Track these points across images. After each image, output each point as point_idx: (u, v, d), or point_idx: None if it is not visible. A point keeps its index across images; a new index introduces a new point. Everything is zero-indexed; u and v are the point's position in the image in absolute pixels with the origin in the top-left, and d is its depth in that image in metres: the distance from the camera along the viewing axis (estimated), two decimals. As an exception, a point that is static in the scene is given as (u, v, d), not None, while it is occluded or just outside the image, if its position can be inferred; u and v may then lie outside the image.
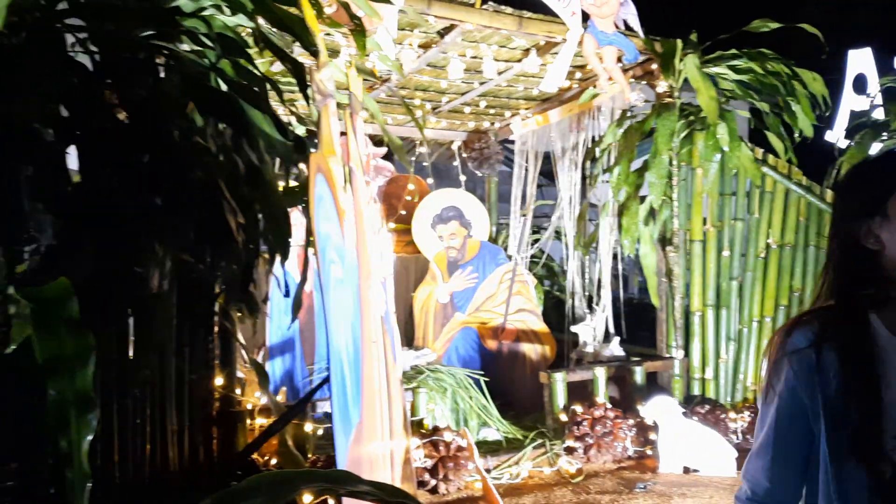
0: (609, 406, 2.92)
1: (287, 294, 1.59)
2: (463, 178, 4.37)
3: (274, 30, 1.48)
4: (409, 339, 3.82)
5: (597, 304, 3.54)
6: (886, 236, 0.75)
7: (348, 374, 1.55)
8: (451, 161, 4.62)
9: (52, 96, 1.05)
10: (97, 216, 1.15)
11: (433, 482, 2.46)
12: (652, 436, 2.85)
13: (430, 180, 4.28)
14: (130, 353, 1.27)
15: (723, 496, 2.45)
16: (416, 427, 2.62)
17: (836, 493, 0.71)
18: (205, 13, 1.34)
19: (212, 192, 1.26)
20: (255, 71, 1.38)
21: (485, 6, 2.74)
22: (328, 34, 2.15)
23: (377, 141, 3.67)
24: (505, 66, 3.29)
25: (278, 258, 1.43)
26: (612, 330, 3.51)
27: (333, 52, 2.75)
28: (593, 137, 3.60)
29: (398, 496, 0.92)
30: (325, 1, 1.86)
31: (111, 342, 1.21)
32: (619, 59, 3.04)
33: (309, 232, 1.65)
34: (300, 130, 1.86)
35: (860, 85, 4.65)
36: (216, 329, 1.52)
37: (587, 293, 3.68)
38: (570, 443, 2.80)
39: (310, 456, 2.23)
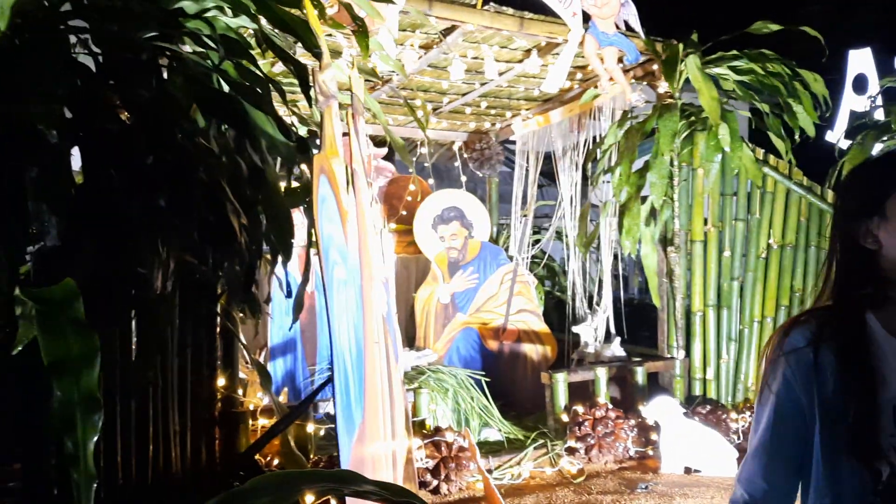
0: (610, 406, 2.92)
1: (289, 295, 1.59)
2: (464, 178, 4.37)
3: (276, 31, 1.49)
4: (410, 340, 3.82)
5: (598, 305, 3.54)
6: (884, 236, 0.75)
7: (351, 374, 1.56)
8: (451, 161, 4.62)
9: (55, 97, 1.05)
10: (100, 217, 1.15)
11: (435, 482, 2.46)
12: (653, 436, 2.85)
13: (430, 181, 4.28)
14: (133, 353, 1.27)
15: (724, 496, 2.45)
16: (418, 427, 2.62)
17: (831, 493, 0.71)
18: (207, 14, 1.34)
19: (215, 193, 1.26)
20: (258, 72, 1.38)
21: (486, 7, 2.74)
22: (330, 35, 2.16)
23: (378, 141, 3.68)
24: (506, 66, 3.29)
25: (280, 259, 1.43)
26: (613, 330, 3.52)
27: (335, 53, 2.75)
28: (594, 138, 3.60)
29: (403, 496, 0.93)
30: (326, 2, 1.87)
31: (114, 343, 1.21)
32: (620, 60, 3.04)
33: (311, 233, 1.65)
34: (302, 131, 1.86)
35: (860, 85, 4.65)
36: (218, 330, 1.52)
37: (588, 293, 3.68)
38: (571, 443, 2.80)
39: (312, 456, 2.23)
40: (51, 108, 1.05)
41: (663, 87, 3.15)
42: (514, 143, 4.30)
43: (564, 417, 2.92)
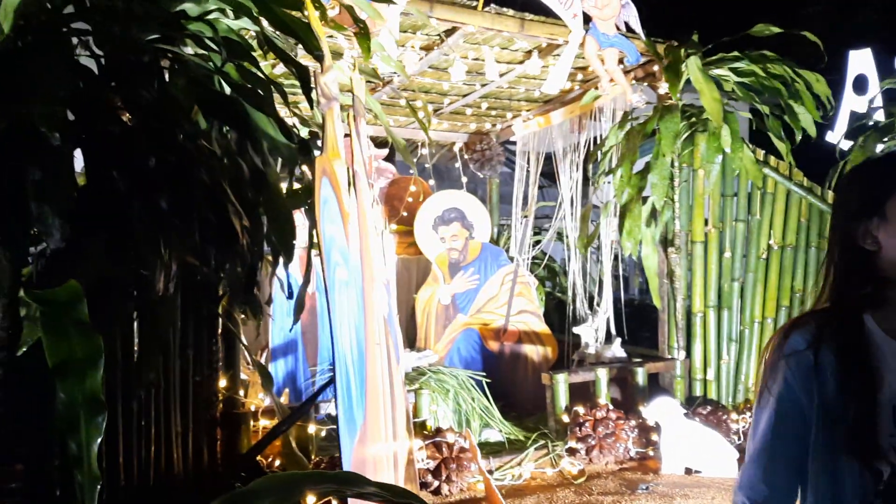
0: (611, 407, 2.92)
1: (290, 296, 1.59)
2: (464, 179, 4.38)
3: (278, 33, 1.49)
4: (411, 341, 3.83)
5: (598, 306, 3.55)
6: (883, 237, 0.75)
7: (353, 375, 1.56)
8: (452, 162, 4.63)
9: (58, 99, 1.05)
10: (103, 219, 1.15)
11: (436, 483, 2.46)
12: (654, 437, 2.85)
13: (431, 182, 4.28)
14: (135, 354, 1.27)
15: (725, 497, 2.45)
16: (419, 428, 2.63)
17: (831, 494, 0.71)
18: (209, 17, 1.35)
19: (216, 194, 1.26)
20: (260, 74, 1.39)
21: (487, 8, 2.75)
22: (331, 36, 2.16)
23: (379, 142, 3.68)
24: (507, 67, 3.30)
25: (282, 260, 1.44)
26: (613, 331, 3.52)
27: (336, 55, 2.76)
28: (595, 138, 3.61)
29: (404, 497, 0.93)
30: (328, 3, 1.87)
31: (116, 344, 1.21)
32: (621, 61, 3.05)
33: (312, 234, 1.65)
34: (304, 132, 1.86)
35: (860, 86, 4.65)
36: (220, 331, 1.52)
37: (588, 294, 3.68)
38: (572, 444, 2.80)
39: (313, 457, 2.23)
40: (53, 110, 1.05)
41: (664, 87, 3.15)
42: (514, 143, 4.31)
43: (565, 418, 2.93)
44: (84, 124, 1.17)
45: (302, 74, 1.39)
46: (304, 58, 1.93)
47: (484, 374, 3.19)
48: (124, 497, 1.22)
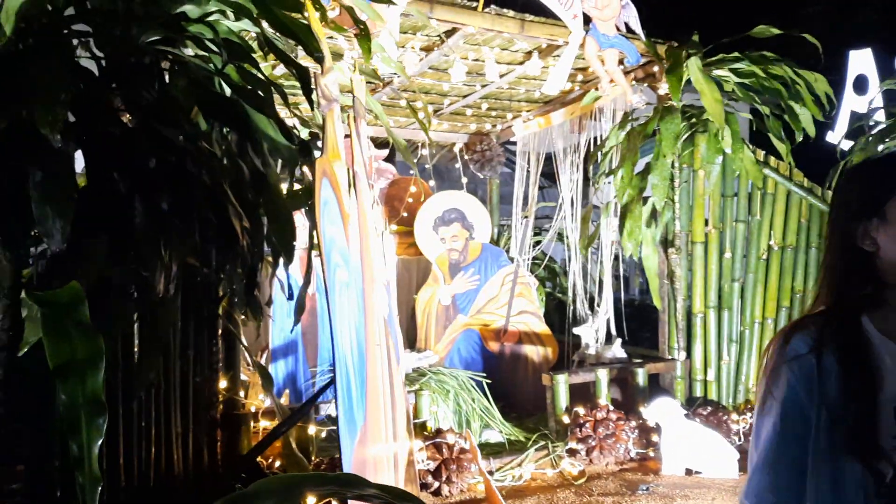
0: (611, 408, 2.92)
1: (290, 297, 1.59)
2: (465, 180, 4.38)
3: (278, 34, 1.49)
4: (411, 342, 3.83)
5: (598, 306, 3.55)
6: (882, 239, 0.75)
7: (353, 376, 1.56)
8: (452, 163, 4.63)
9: (59, 101, 1.05)
10: (103, 220, 1.16)
11: (436, 484, 2.46)
12: (654, 437, 2.85)
13: (431, 182, 4.29)
14: (135, 355, 1.27)
15: (725, 498, 2.45)
16: (419, 429, 2.63)
17: (833, 496, 0.71)
18: (210, 18, 1.35)
19: (217, 195, 1.27)
20: (260, 75, 1.39)
21: (487, 9, 2.75)
22: (331, 37, 2.16)
23: (379, 143, 3.68)
24: (507, 68, 3.30)
25: (282, 261, 1.44)
26: (613, 332, 3.52)
27: (337, 56, 2.76)
28: (595, 139, 3.61)
29: (405, 499, 0.93)
30: (328, 4, 1.87)
31: (117, 345, 1.21)
32: (621, 62, 3.05)
33: (312, 235, 1.66)
34: (304, 133, 1.86)
35: (861, 86, 4.65)
36: (220, 332, 1.53)
37: (589, 295, 3.68)
38: (572, 445, 2.80)
39: (313, 458, 2.23)
40: (54, 111, 1.05)
41: (664, 88, 3.15)
42: (515, 144, 4.31)
43: (565, 419, 2.93)
44: (85, 125, 1.18)
45: (302, 76, 1.40)
46: (304, 59, 1.93)
47: (484, 374, 3.19)
48: (125, 498, 1.23)
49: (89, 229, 1.13)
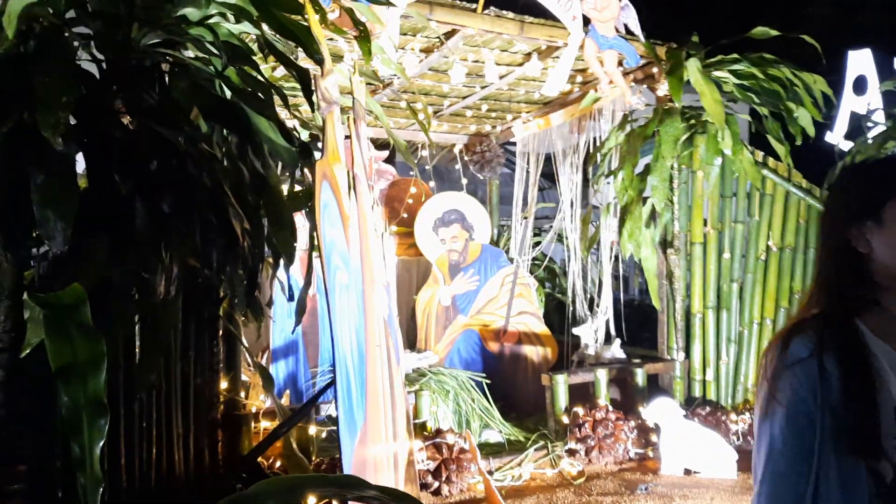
0: (610, 408, 2.93)
1: (291, 298, 1.60)
2: (464, 180, 4.39)
3: (278, 36, 1.50)
4: (411, 342, 3.83)
5: (597, 307, 3.55)
6: (877, 241, 0.76)
7: (353, 377, 1.57)
8: (452, 164, 4.64)
9: (60, 104, 1.06)
10: (105, 222, 1.16)
11: (436, 484, 2.47)
12: (653, 437, 2.86)
13: (431, 183, 4.29)
14: (136, 356, 1.28)
15: (724, 498, 2.46)
16: (419, 429, 2.63)
17: (834, 497, 0.71)
18: (210, 21, 1.36)
19: (218, 197, 1.27)
20: (260, 78, 1.39)
21: (486, 11, 2.76)
22: (331, 39, 2.17)
23: (379, 144, 3.69)
24: (506, 69, 3.31)
25: (283, 262, 1.44)
26: (612, 332, 3.53)
27: (337, 57, 2.76)
28: (594, 139, 3.62)
29: (404, 500, 0.94)
30: (328, 6, 1.88)
31: (118, 346, 1.22)
32: (620, 63, 3.06)
33: (313, 236, 1.66)
34: (304, 135, 1.87)
35: (860, 86, 4.66)
36: (221, 333, 1.53)
37: (588, 295, 3.69)
38: (571, 444, 2.81)
39: (314, 458, 2.24)
40: (56, 114, 1.06)
41: (663, 89, 3.16)
42: (514, 144, 4.32)
43: (565, 419, 2.93)
44: (86, 128, 1.18)
45: (302, 78, 1.40)
46: (304, 60, 1.94)
47: (484, 374, 3.20)
48: (126, 498, 1.23)
49: (91, 231, 1.14)
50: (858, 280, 0.77)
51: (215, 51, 1.32)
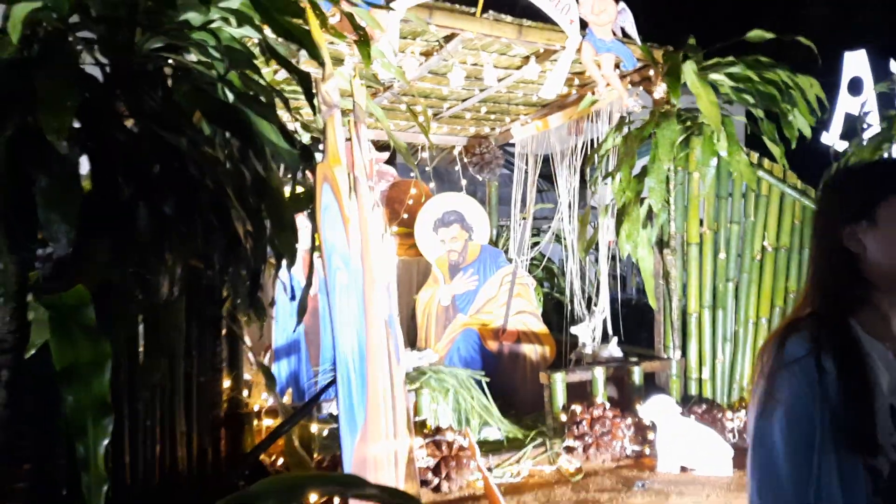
0: (608, 406, 2.95)
1: (293, 298, 1.62)
2: (464, 182, 4.41)
3: (280, 39, 1.51)
4: (411, 341, 3.85)
5: (595, 306, 3.58)
6: (870, 241, 0.77)
7: (354, 377, 1.59)
8: (452, 165, 4.66)
9: (64, 108, 1.08)
10: (108, 224, 1.18)
11: (436, 481, 2.49)
12: (650, 435, 2.88)
13: (431, 184, 4.31)
14: (140, 356, 1.30)
15: (719, 494, 2.49)
16: (419, 427, 2.66)
17: (832, 494, 0.72)
18: (212, 25, 1.37)
19: (220, 199, 1.29)
20: (262, 82, 1.41)
21: (485, 15, 2.77)
22: (332, 43, 2.19)
23: (380, 146, 3.70)
24: (505, 73, 3.33)
25: (285, 263, 1.46)
26: (610, 331, 3.55)
27: (338, 61, 2.78)
28: (592, 141, 3.64)
29: (403, 500, 0.95)
30: (329, 10, 1.89)
31: (122, 347, 1.24)
32: (617, 66, 3.08)
33: (314, 237, 1.68)
34: (305, 137, 1.89)
35: (856, 87, 4.68)
36: (224, 332, 1.55)
37: (586, 295, 3.71)
38: (569, 442, 2.83)
39: (315, 456, 2.26)
40: (60, 118, 1.07)
41: (659, 92, 3.18)
42: (513, 146, 4.34)
43: (563, 417, 2.96)
44: (90, 131, 1.20)
45: (304, 81, 1.42)
46: (306, 63, 1.95)
47: (483, 373, 3.22)
48: (130, 497, 1.25)
49: (94, 233, 1.15)
50: (852, 280, 0.78)
51: (217, 55, 1.34)
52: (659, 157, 3.00)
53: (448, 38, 2.87)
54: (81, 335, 1.00)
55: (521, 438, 2.92)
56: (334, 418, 2.50)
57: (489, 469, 2.60)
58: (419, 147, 4.40)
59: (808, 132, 3.16)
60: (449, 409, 2.95)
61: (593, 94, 3.31)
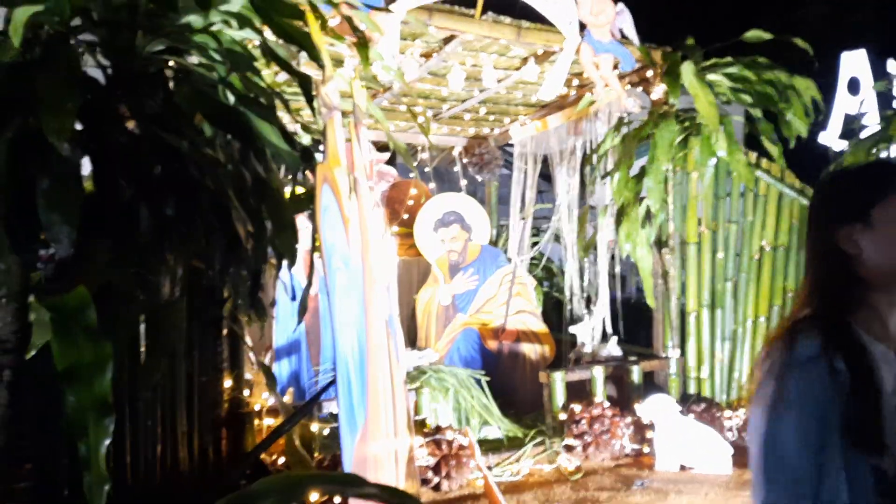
0: (607, 405, 2.96)
1: (294, 298, 1.63)
2: (464, 182, 4.42)
3: (280, 41, 1.52)
4: (412, 340, 3.86)
5: (595, 305, 3.59)
6: (865, 243, 0.77)
7: (354, 378, 1.60)
8: (452, 166, 4.67)
9: (66, 111, 1.08)
10: (110, 225, 1.19)
11: (436, 480, 2.50)
12: (649, 434, 2.89)
13: (431, 185, 4.32)
14: (142, 356, 1.31)
15: (718, 493, 2.50)
16: (419, 426, 2.67)
17: (839, 494, 0.72)
18: (213, 28, 1.38)
19: (221, 200, 1.30)
20: (262, 84, 1.42)
21: (484, 17, 2.78)
22: (332, 44, 2.20)
23: (381, 146, 3.71)
24: (504, 74, 3.33)
25: (285, 263, 1.47)
26: (609, 330, 3.56)
27: (338, 62, 2.79)
28: (591, 142, 3.65)
29: (402, 498, 0.96)
30: (328, 13, 1.90)
31: (123, 347, 1.25)
32: (616, 67, 3.09)
33: (315, 237, 1.69)
34: (306, 139, 1.89)
35: (855, 87, 4.68)
36: (225, 332, 1.56)
37: (586, 294, 3.72)
38: (569, 441, 2.85)
39: (316, 455, 2.27)
40: (62, 120, 1.08)
41: (657, 93, 3.19)
42: (513, 146, 4.35)
43: (562, 416, 2.97)
44: (91, 133, 1.21)
45: (304, 84, 1.43)
46: (306, 65, 1.96)
47: (483, 372, 3.23)
48: (131, 496, 1.26)
49: (96, 234, 1.16)
50: (849, 281, 0.78)
51: (218, 57, 1.34)
52: (657, 157, 3.01)
53: (447, 40, 2.88)
54: (83, 336, 1.01)
55: (520, 437, 2.93)
56: (335, 417, 2.50)
57: (489, 468, 2.61)
58: (419, 148, 4.41)
59: (804, 132, 3.17)
60: (449, 408, 2.96)
61: (592, 94, 3.32)
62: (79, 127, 1.16)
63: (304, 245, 2.66)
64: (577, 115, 3.66)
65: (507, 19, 2.84)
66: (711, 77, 3.12)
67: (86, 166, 1.23)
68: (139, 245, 1.20)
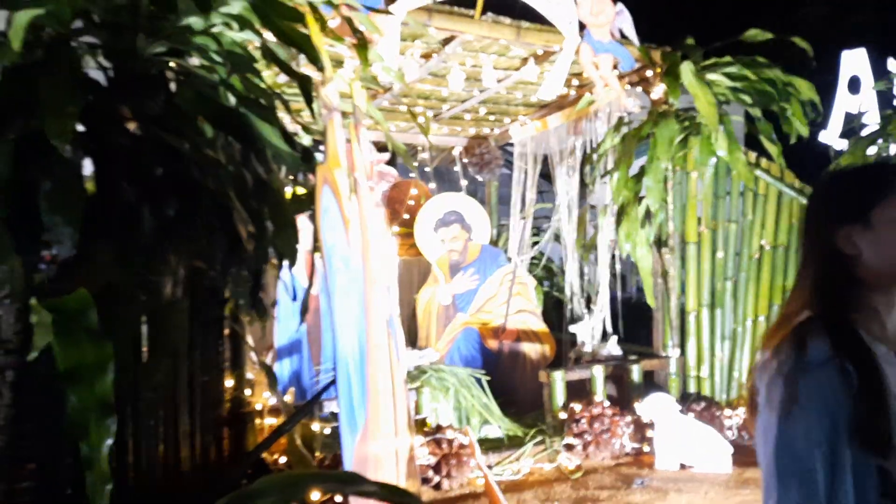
0: (607, 404, 2.97)
1: (294, 298, 1.64)
2: (464, 182, 4.43)
3: (280, 44, 1.53)
4: (412, 340, 3.87)
5: (595, 305, 3.60)
6: (865, 244, 0.77)
7: (354, 378, 1.61)
8: (452, 166, 4.68)
9: (68, 113, 1.09)
10: (112, 227, 1.20)
11: (437, 479, 2.51)
12: (649, 433, 2.90)
13: (431, 185, 4.33)
14: (144, 356, 1.31)
15: (718, 492, 2.51)
16: (420, 425, 2.68)
17: (846, 495, 0.72)
18: (214, 30, 1.39)
19: (222, 202, 1.31)
20: (263, 85, 1.43)
21: (484, 17, 2.79)
22: (332, 45, 2.20)
23: (381, 147, 3.72)
24: (504, 74, 3.34)
25: (286, 263, 1.48)
26: (609, 329, 3.57)
27: (338, 63, 2.79)
28: (591, 141, 3.66)
29: (402, 496, 0.97)
30: (328, 14, 1.91)
31: (125, 347, 1.26)
32: (615, 67, 3.09)
33: (316, 238, 1.70)
34: (306, 139, 1.90)
35: (855, 86, 4.68)
36: (226, 332, 1.57)
37: (586, 293, 3.73)
38: (569, 440, 2.85)
39: (317, 454, 2.28)
40: (64, 122, 1.09)
41: (657, 93, 3.20)
42: (513, 146, 4.35)
43: (562, 415, 2.98)
44: (93, 135, 1.21)
45: (304, 85, 1.43)
46: (306, 66, 1.97)
47: (483, 371, 3.24)
48: (133, 495, 1.27)
49: (98, 236, 1.17)
50: (849, 282, 0.78)
51: (219, 59, 1.35)
52: (657, 156, 3.01)
53: (447, 41, 2.89)
54: (85, 337, 1.02)
55: (521, 436, 2.94)
56: (336, 417, 2.51)
57: (489, 467, 2.62)
58: (419, 148, 4.42)
59: (804, 132, 3.18)
60: (449, 407, 2.97)
61: (591, 94, 3.32)
62: (80, 129, 1.17)
63: (304, 245, 2.68)
64: (576, 115, 3.66)
65: (507, 20, 2.84)
66: (711, 77, 3.12)
67: (87, 168, 1.23)
68: (141, 246, 1.21)
